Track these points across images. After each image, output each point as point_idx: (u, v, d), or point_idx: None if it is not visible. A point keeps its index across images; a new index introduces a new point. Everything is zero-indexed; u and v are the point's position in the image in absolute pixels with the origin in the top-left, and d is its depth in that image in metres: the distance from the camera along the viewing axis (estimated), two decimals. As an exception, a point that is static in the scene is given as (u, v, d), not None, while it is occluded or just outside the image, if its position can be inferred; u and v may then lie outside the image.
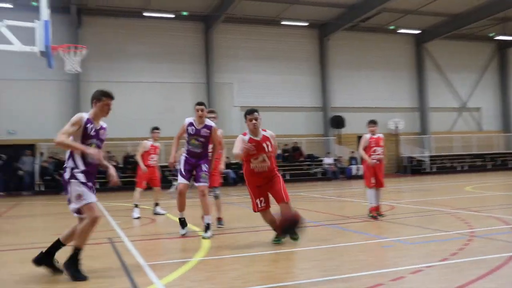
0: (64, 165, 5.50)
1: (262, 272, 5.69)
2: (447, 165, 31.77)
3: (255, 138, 6.97)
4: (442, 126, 34.04)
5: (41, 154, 24.37)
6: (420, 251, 6.63)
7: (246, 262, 6.18)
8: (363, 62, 31.89)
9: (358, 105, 31.19)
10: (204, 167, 8.17)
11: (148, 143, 11.98)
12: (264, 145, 6.97)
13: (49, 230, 9.66)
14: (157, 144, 12.11)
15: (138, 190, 11.85)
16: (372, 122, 10.26)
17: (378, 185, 10.07)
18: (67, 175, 5.42)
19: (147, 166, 11.89)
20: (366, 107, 31.12)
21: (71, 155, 5.44)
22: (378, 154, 10.09)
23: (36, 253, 5.70)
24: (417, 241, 7.29)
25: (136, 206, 11.65)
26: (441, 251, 6.40)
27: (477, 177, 24.58)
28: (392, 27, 31.32)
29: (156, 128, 12.15)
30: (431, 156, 31.76)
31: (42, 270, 5.62)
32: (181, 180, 8.20)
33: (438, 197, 14.76)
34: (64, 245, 5.60)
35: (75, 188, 5.35)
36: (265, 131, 7.12)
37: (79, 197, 5.34)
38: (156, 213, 11.97)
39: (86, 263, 5.41)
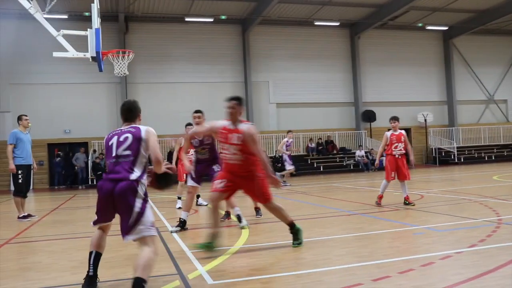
0: (135, 176, 4.44)
1: (298, 258, 5.69)
2: (475, 156, 30.97)
3: (228, 126, 6.09)
4: (470, 118, 33.20)
5: (94, 151, 24.90)
6: (449, 238, 6.51)
7: (283, 249, 6.18)
8: (392, 59, 31.33)
9: (388, 100, 30.62)
10: (216, 167, 8.17)
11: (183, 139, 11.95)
12: (230, 135, 6.00)
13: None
14: None
15: (179, 183, 11.94)
16: (394, 119, 10.33)
17: (402, 177, 10.19)
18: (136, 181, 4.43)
19: None
20: (396, 101, 30.52)
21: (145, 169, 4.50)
22: (400, 150, 10.22)
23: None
24: (447, 229, 7.15)
25: (179, 198, 11.80)
26: (469, 237, 6.27)
27: (504, 167, 23.86)
28: (420, 25, 30.64)
29: (189, 124, 11.71)
30: (459, 147, 31.00)
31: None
32: (190, 182, 8.26)
33: (466, 186, 14.41)
34: (101, 254, 4.80)
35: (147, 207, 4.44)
36: (244, 123, 6.11)
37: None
38: (198, 204, 12.08)
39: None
